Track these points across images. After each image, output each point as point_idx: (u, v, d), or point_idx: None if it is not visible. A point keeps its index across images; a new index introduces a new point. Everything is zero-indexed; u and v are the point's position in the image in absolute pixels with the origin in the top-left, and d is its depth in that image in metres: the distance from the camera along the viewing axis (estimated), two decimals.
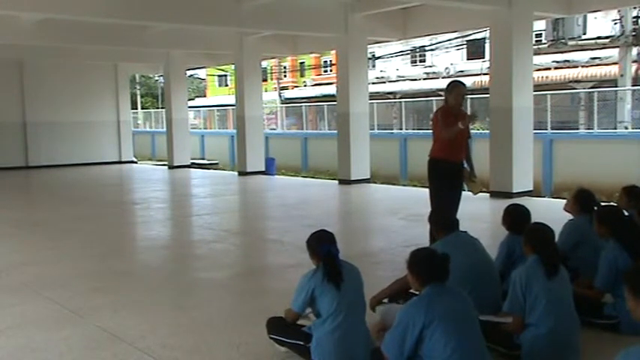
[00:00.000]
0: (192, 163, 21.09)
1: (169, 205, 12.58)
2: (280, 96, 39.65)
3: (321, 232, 3.89)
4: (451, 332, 3.09)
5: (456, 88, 6.27)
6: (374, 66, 33.53)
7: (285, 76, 44.11)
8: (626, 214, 4.90)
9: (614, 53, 23.48)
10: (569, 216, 5.21)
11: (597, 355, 3.93)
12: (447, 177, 6.26)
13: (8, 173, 18.33)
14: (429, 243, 6.06)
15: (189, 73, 28.15)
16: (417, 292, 3.41)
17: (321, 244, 3.76)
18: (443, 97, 6.69)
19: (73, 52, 17.95)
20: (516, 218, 4.67)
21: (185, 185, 16.19)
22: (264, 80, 26.54)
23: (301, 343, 3.77)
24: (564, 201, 5.35)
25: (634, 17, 22.38)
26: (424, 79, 32.42)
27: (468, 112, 7.71)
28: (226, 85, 45.31)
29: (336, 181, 14.57)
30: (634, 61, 22.85)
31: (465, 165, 6.39)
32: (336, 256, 3.73)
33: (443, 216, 4.61)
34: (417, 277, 3.30)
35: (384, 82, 34.11)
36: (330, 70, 39.18)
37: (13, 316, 5.01)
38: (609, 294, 4.41)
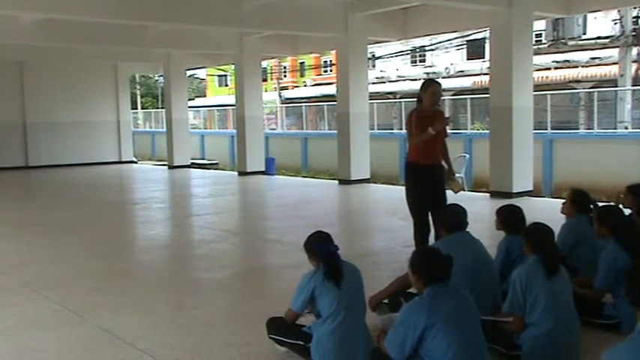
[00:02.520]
0: (192, 163, 21.07)
1: (169, 205, 12.59)
2: (280, 96, 39.61)
3: (317, 232, 3.89)
4: (453, 334, 3.08)
5: (430, 86, 5.95)
6: (374, 66, 33.50)
7: (285, 76, 44.08)
8: (629, 212, 4.91)
9: (614, 53, 23.47)
10: None
11: (597, 355, 3.90)
12: (422, 179, 6.00)
13: (8, 173, 18.33)
14: (415, 243, 6.02)
15: (189, 73, 28.12)
16: (417, 292, 3.40)
17: (320, 243, 3.76)
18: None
19: (73, 52, 17.92)
20: (511, 218, 4.66)
21: (185, 185, 16.19)
22: (264, 80, 26.52)
23: (301, 343, 3.77)
24: (564, 201, 5.34)
25: (634, 17, 22.38)
26: (424, 79, 32.36)
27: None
28: (226, 85, 45.28)
29: (336, 181, 14.56)
30: (634, 61, 22.84)
31: (443, 164, 6.18)
32: (336, 253, 3.73)
33: (448, 215, 4.58)
34: (419, 277, 3.27)
35: (384, 82, 34.08)
36: (330, 70, 39.16)
37: (13, 316, 5.01)
38: (609, 294, 4.41)
